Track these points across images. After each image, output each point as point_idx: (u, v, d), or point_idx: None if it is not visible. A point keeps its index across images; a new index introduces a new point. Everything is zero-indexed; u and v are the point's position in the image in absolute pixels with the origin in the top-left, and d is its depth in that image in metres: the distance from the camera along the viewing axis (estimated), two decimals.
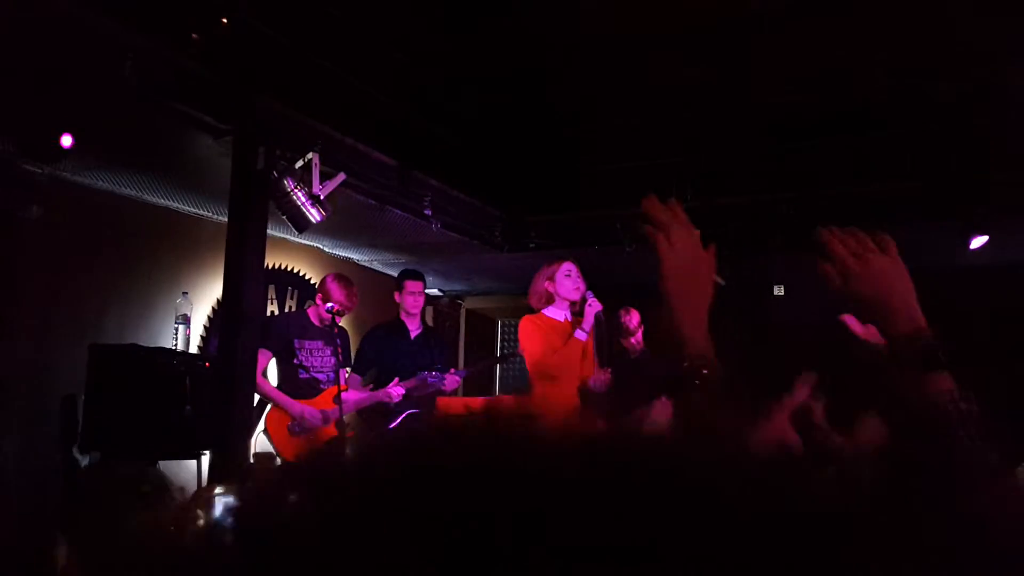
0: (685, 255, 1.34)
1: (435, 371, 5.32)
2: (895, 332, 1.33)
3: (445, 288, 8.23)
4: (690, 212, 5.34)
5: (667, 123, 5.63)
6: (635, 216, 5.44)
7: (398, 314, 5.58)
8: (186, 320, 5.40)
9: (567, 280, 4.74)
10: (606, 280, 5.13)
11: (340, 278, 5.16)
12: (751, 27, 4.49)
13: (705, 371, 1.23)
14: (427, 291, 8.06)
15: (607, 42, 4.71)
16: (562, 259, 4.84)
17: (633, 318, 6.00)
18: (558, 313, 4.80)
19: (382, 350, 5.47)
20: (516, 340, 8.40)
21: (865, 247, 1.41)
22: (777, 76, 5.00)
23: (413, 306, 5.48)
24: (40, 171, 4.66)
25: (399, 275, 5.66)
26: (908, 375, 1.29)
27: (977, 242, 5.51)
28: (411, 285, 5.51)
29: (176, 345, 5.30)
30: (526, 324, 4.79)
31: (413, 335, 5.53)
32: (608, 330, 4.83)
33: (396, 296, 5.52)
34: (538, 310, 4.82)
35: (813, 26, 4.46)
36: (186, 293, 5.49)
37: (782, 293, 6.35)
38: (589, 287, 4.79)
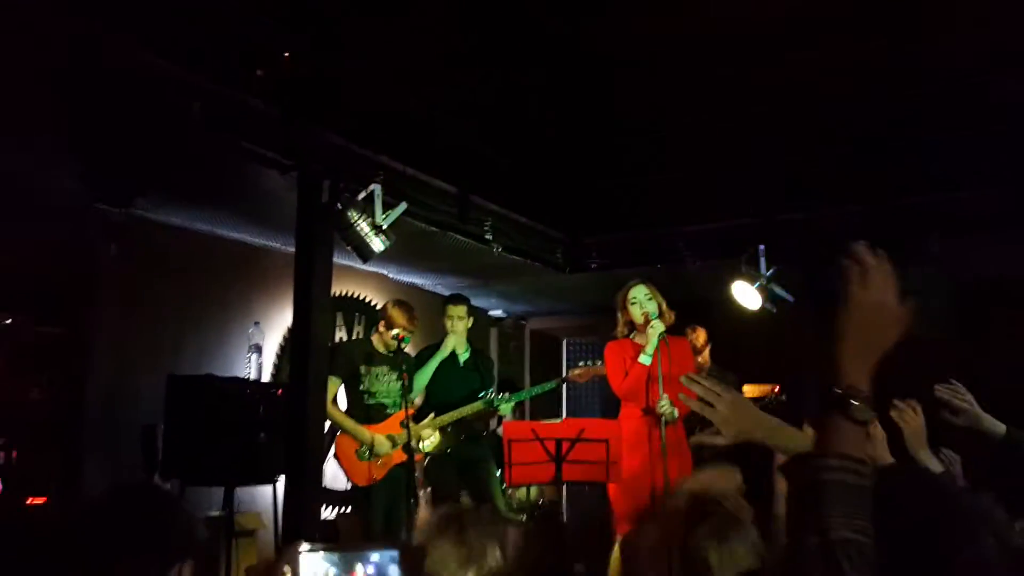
0: (875, 298, 1.35)
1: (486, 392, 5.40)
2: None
3: (509, 309, 8.28)
4: (754, 228, 5.28)
5: (729, 139, 5.59)
6: (698, 233, 5.45)
7: (444, 338, 5.65)
8: (258, 349, 5.55)
9: (633, 307, 4.81)
10: (670, 298, 5.11)
11: (400, 304, 5.25)
12: (815, 29, 4.41)
13: (855, 402, 1.25)
14: (491, 312, 8.16)
15: (667, 58, 4.71)
16: (633, 282, 4.90)
17: (700, 336, 5.96)
18: (640, 337, 4.85)
19: (434, 372, 5.53)
20: (581, 359, 8.44)
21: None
22: (837, 83, 4.93)
23: (459, 332, 5.57)
24: (116, 210, 4.86)
25: (444, 301, 5.74)
26: None
27: None
28: (451, 309, 5.59)
29: (249, 374, 5.45)
30: (609, 349, 4.93)
31: (462, 359, 5.59)
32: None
33: (443, 323, 5.61)
34: (624, 335, 4.90)
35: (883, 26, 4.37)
36: (258, 323, 5.65)
37: None
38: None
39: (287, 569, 1.28)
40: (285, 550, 1.31)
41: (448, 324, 5.55)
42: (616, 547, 4.65)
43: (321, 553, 1.29)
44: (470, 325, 5.67)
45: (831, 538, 1.14)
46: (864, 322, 1.33)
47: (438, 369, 5.50)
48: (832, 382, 1.29)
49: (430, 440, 5.36)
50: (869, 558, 1.15)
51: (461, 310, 5.60)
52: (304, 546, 1.29)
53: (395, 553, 1.26)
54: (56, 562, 1.24)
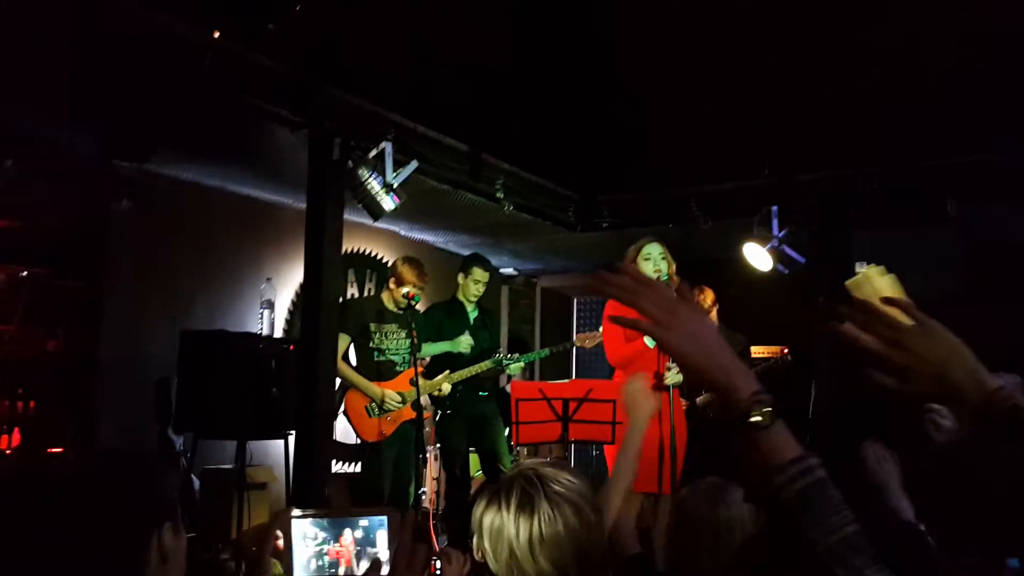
0: (686, 330, 1.17)
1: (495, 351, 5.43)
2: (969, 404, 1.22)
3: (520, 267, 8.29)
4: (768, 189, 5.26)
5: (741, 99, 5.53)
6: (710, 193, 5.41)
7: (455, 294, 5.64)
8: (270, 305, 5.58)
9: (646, 263, 4.69)
10: (680, 258, 5.10)
11: (410, 261, 5.23)
12: None
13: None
14: (503, 270, 8.17)
15: (679, 17, 4.65)
16: (647, 240, 4.78)
17: (707, 297, 5.95)
18: None
19: (441, 327, 5.54)
20: (591, 318, 8.45)
21: (893, 326, 1.26)
22: (856, 45, 4.86)
23: (474, 295, 5.54)
24: (129, 165, 4.88)
25: (468, 259, 5.66)
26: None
27: None
28: (479, 274, 5.51)
29: (261, 329, 5.50)
30: (607, 310, 4.81)
31: (472, 317, 5.61)
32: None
33: (460, 277, 5.58)
34: None
35: None
36: (270, 279, 5.68)
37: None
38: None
39: (279, 533, 1.31)
40: (276, 516, 1.33)
41: (472, 287, 5.51)
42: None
43: (311, 519, 1.32)
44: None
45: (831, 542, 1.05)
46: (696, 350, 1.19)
47: (449, 327, 5.52)
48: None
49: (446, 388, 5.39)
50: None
51: (487, 276, 5.58)
52: (295, 511, 1.32)
53: (384, 518, 1.29)
54: (71, 513, 1.26)
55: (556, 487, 1.59)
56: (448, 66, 4.98)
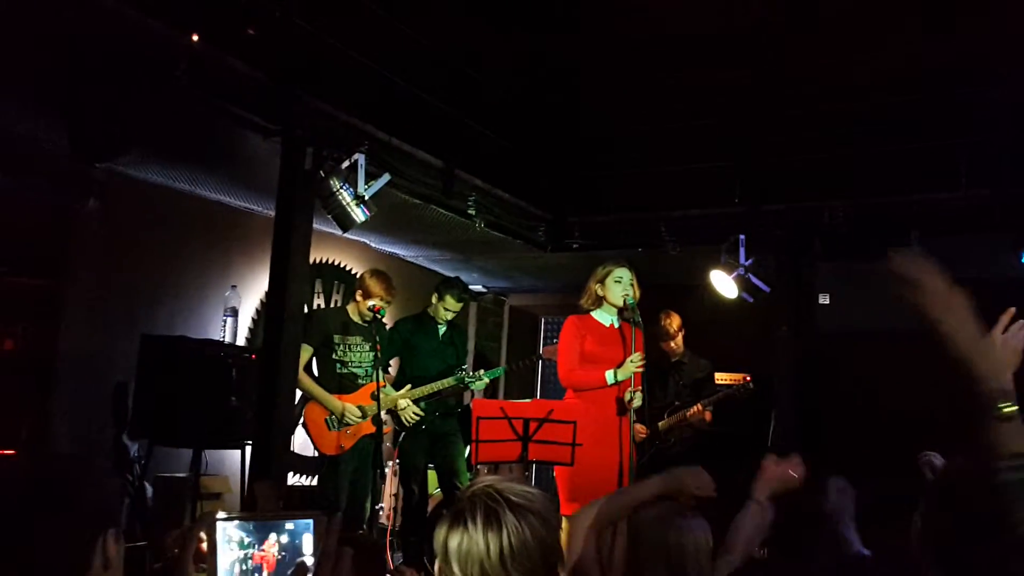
0: (941, 296, 1.44)
1: (459, 369, 5.42)
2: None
3: (489, 285, 8.29)
4: (737, 217, 5.33)
5: (712, 126, 5.61)
6: (680, 219, 5.45)
7: (426, 308, 5.64)
8: (234, 312, 5.54)
9: (616, 285, 4.70)
10: (648, 281, 5.13)
11: (378, 274, 5.20)
12: (794, 28, 4.44)
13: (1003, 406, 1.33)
14: (471, 287, 8.16)
15: (651, 45, 4.71)
16: (618, 263, 4.78)
17: (674, 321, 5.99)
18: (604, 317, 4.78)
19: (410, 343, 5.53)
20: (558, 337, 8.44)
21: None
22: (821, 80, 4.95)
23: (443, 318, 5.54)
24: (96, 166, 4.82)
25: (445, 285, 5.61)
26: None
27: None
28: (451, 303, 5.50)
29: (224, 337, 5.44)
30: (567, 326, 4.79)
31: (441, 333, 5.61)
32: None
33: (434, 298, 5.56)
34: (587, 311, 4.81)
35: (862, 27, 4.40)
36: (235, 286, 5.63)
37: (827, 302, 6.28)
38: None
39: (203, 535, 1.28)
40: (201, 517, 1.30)
41: (442, 311, 5.51)
42: (564, 524, 4.68)
43: (236, 521, 1.29)
44: None
45: (1021, 533, 1.21)
46: (949, 323, 1.43)
47: (416, 341, 5.51)
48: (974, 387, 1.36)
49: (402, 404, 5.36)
50: None
51: (459, 306, 5.56)
52: (220, 514, 1.29)
53: (309, 522, 1.27)
54: (20, 515, 1.23)
55: (518, 500, 1.60)
56: (424, 80, 4.99)
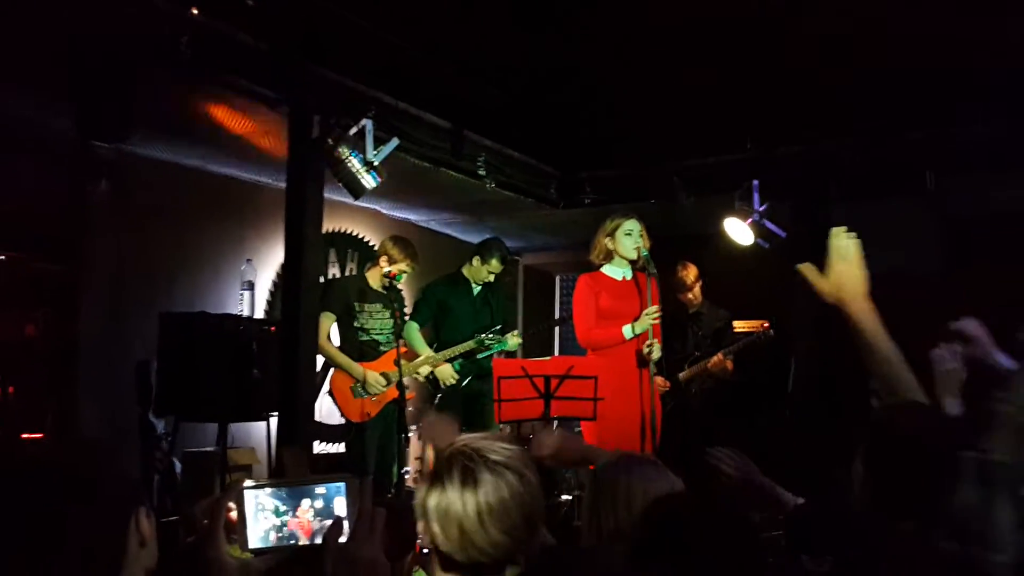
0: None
1: (493, 332, 5.40)
2: None
3: None
4: (749, 163, 5.26)
5: (721, 73, 5.52)
6: (692, 168, 5.38)
7: (461, 269, 5.63)
8: (251, 286, 5.55)
9: (627, 238, 4.67)
10: (663, 233, 5.09)
11: (400, 240, 5.22)
12: None
13: None
14: None
15: None
16: (626, 215, 4.75)
17: (691, 272, 5.96)
18: (616, 271, 4.76)
19: (445, 305, 5.53)
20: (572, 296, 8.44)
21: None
22: (829, 14, 4.85)
23: (482, 279, 5.55)
24: (106, 146, 4.81)
25: (489, 246, 5.58)
26: None
27: None
28: (495, 265, 5.50)
29: (242, 311, 5.47)
30: (580, 286, 4.78)
31: (476, 293, 5.60)
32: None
33: (476, 260, 5.54)
34: (597, 266, 4.80)
35: None
36: (250, 260, 5.64)
37: None
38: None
39: (231, 505, 1.28)
40: (229, 487, 1.29)
41: (483, 273, 5.51)
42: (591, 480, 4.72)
43: (267, 489, 1.28)
44: None
45: (992, 459, 1.32)
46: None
47: (452, 304, 5.52)
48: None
49: (424, 371, 5.39)
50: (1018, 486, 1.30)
51: (501, 269, 5.59)
52: (247, 482, 1.29)
53: (341, 485, 1.26)
54: (50, 498, 1.24)
55: (495, 457, 1.61)
56: (428, 42, 4.93)
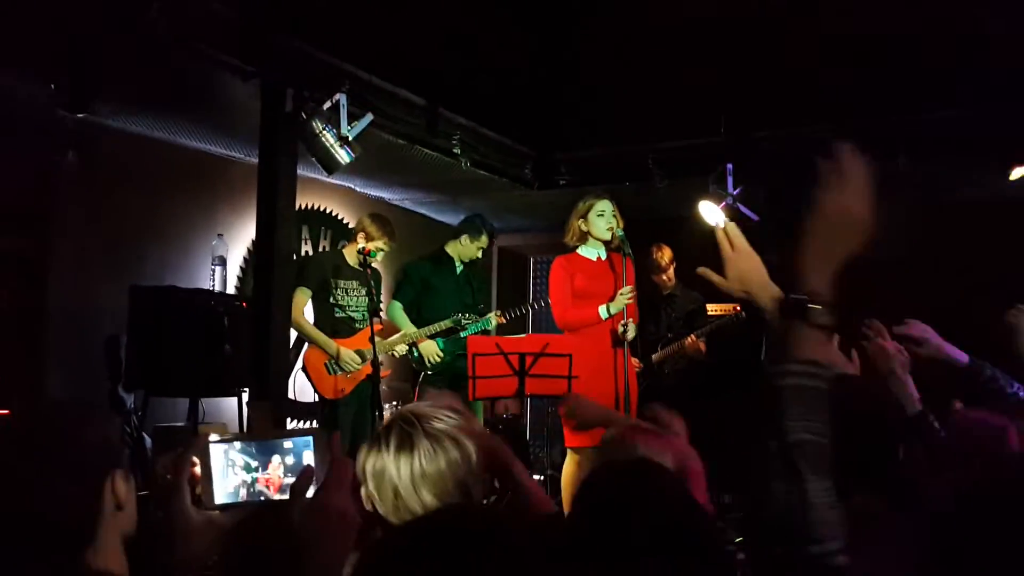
0: (845, 203, 1.33)
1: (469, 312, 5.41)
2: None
3: None
4: (724, 146, 5.27)
5: (699, 55, 5.53)
6: (667, 151, 5.39)
7: (444, 248, 5.61)
8: (222, 261, 5.50)
9: (599, 219, 4.70)
10: (638, 215, 5.09)
11: (379, 218, 5.21)
12: None
13: (814, 306, 1.27)
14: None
15: None
16: (598, 196, 4.77)
17: (665, 254, 5.98)
18: (591, 252, 4.79)
19: (429, 284, 5.51)
20: (548, 278, 8.45)
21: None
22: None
23: (468, 257, 5.55)
24: (73, 116, 4.73)
25: (479, 224, 5.57)
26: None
27: (1016, 174, 5.39)
28: (484, 241, 5.54)
29: (213, 286, 5.41)
30: (555, 269, 4.81)
31: (458, 272, 5.60)
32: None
33: (465, 239, 5.52)
34: (572, 248, 4.82)
35: None
36: (221, 235, 5.58)
37: None
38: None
39: (195, 460, 1.25)
40: (192, 441, 1.25)
41: (472, 250, 5.53)
42: (568, 459, 4.74)
43: (236, 444, 1.25)
44: None
45: (789, 441, 1.18)
46: (830, 227, 1.33)
47: (435, 283, 5.50)
48: (792, 288, 1.30)
49: (399, 349, 5.37)
50: (826, 458, 1.19)
51: (487, 245, 5.63)
52: (212, 436, 1.26)
53: (309, 439, 1.25)
54: (15, 473, 1.21)
55: (435, 423, 1.63)
56: (404, 17, 4.89)
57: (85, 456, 1.22)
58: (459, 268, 5.59)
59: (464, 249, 5.53)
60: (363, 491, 1.64)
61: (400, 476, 1.58)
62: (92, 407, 1.39)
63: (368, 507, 1.64)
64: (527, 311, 6.33)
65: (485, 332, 5.69)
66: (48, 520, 1.17)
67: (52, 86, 4.29)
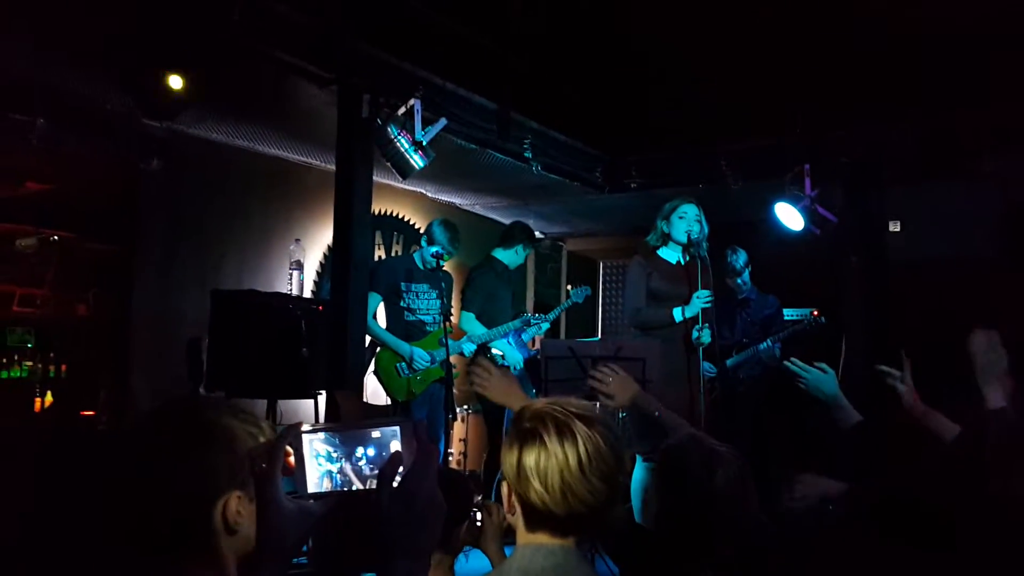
0: None
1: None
2: None
3: (547, 230, 8.24)
4: (800, 146, 5.13)
5: (771, 54, 5.43)
6: (739, 151, 5.31)
7: (494, 255, 5.81)
8: (299, 266, 5.59)
9: (680, 222, 4.67)
10: (712, 219, 5.02)
11: (445, 223, 5.26)
12: None
13: None
14: None
15: None
16: (685, 198, 4.75)
17: (740, 257, 5.88)
18: (671, 254, 4.76)
19: (494, 295, 5.66)
20: (618, 281, 8.40)
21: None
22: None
23: (517, 264, 5.84)
24: (159, 125, 4.87)
25: (525, 232, 5.90)
26: None
27: None
28: (529, 246, 5.88)
29: (291, 290, 5.51)
30: (633, 266, 4.78)
31: (507, 275, 5.85)
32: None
33: (520, 247, 5.79)
34: (654, 249, 4.80)
35: None
36: (298, 240, 5.68)
37: (898, 229, 6.10)
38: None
39: (289, 449, 1.26)
40: (286, 431, 1.25)
41: (524, 258, 5.85)
42: (636, 465, 4.69)
43: (322, 434, 1.26)
44: None
45: None
46: None
47: (499, 292, 5.68)
48: None
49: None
50: None
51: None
52: (305, 427, 1.26)
53: (396, 429, 1.24)
54: (105, 473, 1.23)
55: (582, 411, 1.66)
56: (477, 22, 4.92)
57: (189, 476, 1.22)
58: (507, 273, 5.82)
59: (517, 258, 5.79)
60: (505, 491, 1.67)
61: (568, 463, 1.59)
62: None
63: (508, 510, 1.67)
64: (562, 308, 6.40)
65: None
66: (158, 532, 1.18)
67: (137, 95, 4.41)
